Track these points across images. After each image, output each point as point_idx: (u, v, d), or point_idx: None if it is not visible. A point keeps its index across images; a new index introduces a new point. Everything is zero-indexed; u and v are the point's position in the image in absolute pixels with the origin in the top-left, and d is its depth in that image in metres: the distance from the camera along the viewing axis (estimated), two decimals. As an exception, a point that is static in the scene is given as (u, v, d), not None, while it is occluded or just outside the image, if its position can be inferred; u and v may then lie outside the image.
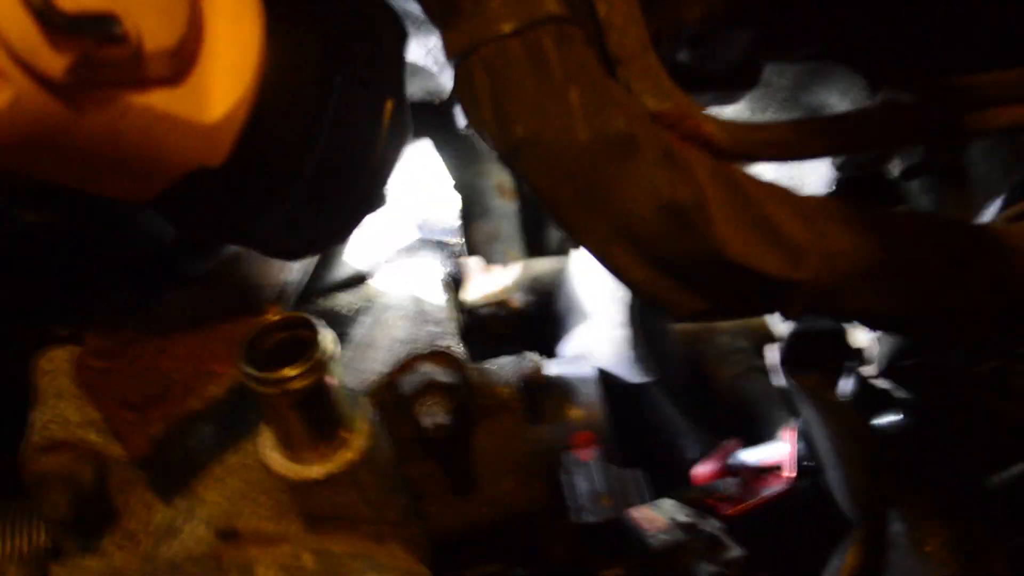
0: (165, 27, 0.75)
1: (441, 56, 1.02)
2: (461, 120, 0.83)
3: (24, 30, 0.68)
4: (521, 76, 0.75)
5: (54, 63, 0.68)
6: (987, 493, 1.16)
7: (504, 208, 1.48)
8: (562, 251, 1.42)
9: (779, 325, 1.35)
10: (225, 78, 0.80)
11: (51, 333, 1.01)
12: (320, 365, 0.80)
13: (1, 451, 0.99)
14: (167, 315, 0.99)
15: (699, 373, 1.32)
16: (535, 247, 1.48)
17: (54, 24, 0.67)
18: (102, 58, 0.70)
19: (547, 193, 0.77)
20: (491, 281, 1.26)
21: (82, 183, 0.82)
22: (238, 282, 1.02)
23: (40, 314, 1.05)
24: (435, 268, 1.06)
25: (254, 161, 0.82)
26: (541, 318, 1.31)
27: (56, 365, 0.97)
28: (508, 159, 0.79)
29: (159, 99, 0.75)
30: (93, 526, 0.95)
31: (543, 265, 1.30)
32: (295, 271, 1.06)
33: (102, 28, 0.69)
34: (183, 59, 0.77)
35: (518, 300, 1.26)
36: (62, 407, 0.94)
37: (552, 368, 1.08)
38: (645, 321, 1.24)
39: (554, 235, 1.48)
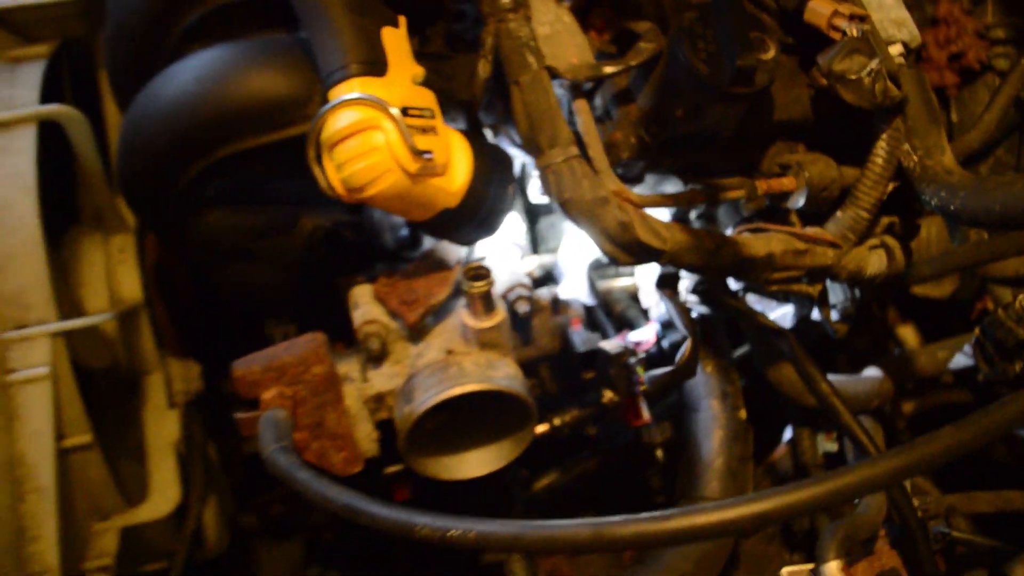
0: (442, 155, 0.99)
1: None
2: (539, 191, 1.06)
3: (404, 155, 0.93)
4: (566, 176, 0.99)
5: (412, 167, 0.94)
6: (728, 350, 1.38)
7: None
8: (548, 253, 1.56)
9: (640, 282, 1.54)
10: (459, 173, 1.04)
11: (356, 280, 1.19)
12: (491, 281, 1.04)
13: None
14: (407, 272, 1.17)
15: (608, 306, 1.53)
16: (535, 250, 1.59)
17: (415, 152, 0.93)
18: (427, 166, 0.96)
19: (578, 220, 1.00)
20: (526, 263, 1.45)
21: (404, 213, 1.05)
22: (438, 257, 1.21)
23: (350, 272, 1.22)
24: (516, 254, 1.32)
25: (466, 206, 1.05)
26: (546, 279, 1.50)
27: (362, 292, 1.17)
28: (561, 207, 1.00)
29: (439, 181, 1.00)
30: (382, 358, 1.14)
31: (547, 258, 1.51)
32: (463, 252, 1.24)
33: (428, 155, 0.95)
34: (446, 166, 1.00)
35: (537, 272, 1.48)
36: (369, 308, 1.14)
37: (561, 295, 1.28)
38: (588, 281, 1.47)
39: (546, 246, 1.57)
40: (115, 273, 1.41)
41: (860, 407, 1.46)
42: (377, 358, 1.16)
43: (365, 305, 1.16)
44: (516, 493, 1.45)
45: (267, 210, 1.20)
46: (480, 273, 1.08)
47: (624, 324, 1.46)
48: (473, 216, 1.09)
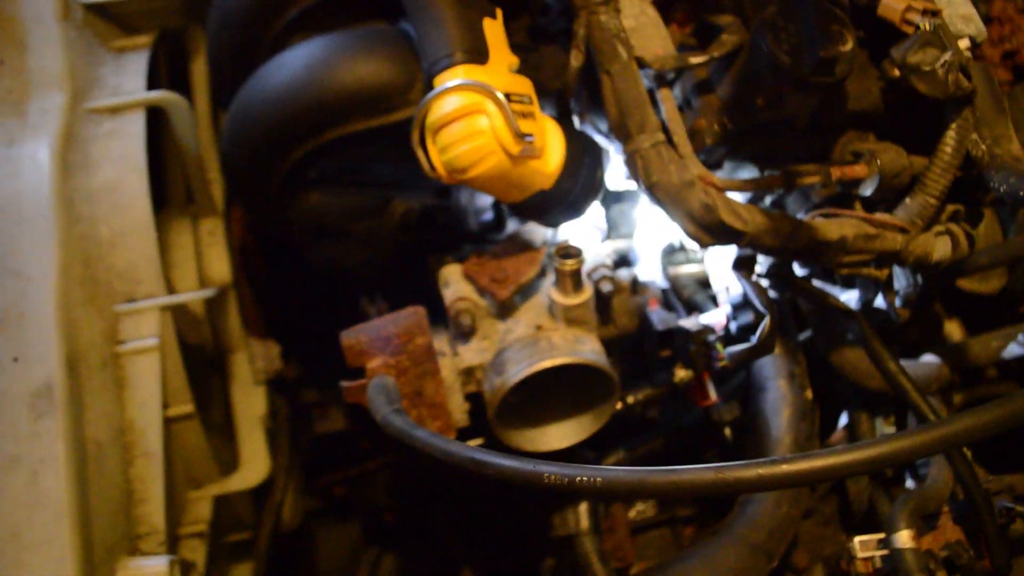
0: (540, 138, 1.03)
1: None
2: (625, 176, 1.07)
3: (507, 138, 0.97)
4: (654, 161, 1.02)
5: (515, 149, 0.98)
6: (795, 334, 1.39)
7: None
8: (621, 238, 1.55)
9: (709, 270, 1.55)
10: (553, 155, 1.07)
11: (445, 260, 1.24)
12: (581, 260, 1.08)
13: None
14: (495, 252, 1.22)
15: (676, 291, 1.54)
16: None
17: (518, 135, 0.97)
18: (528, 149, 1.00)
19: (664, 203, 1.02)
20: (604, 247, 1.43)
21: (502, 194, 1.08)
22: (525, 239, 1.25)
23: (439, 252, 1.26)
24: (597, 236, 1.35)
25: (559, 188, 1.09)
26: (622, 263, 1.51)
27: (453, 271, 1.21)
28: (648, 191, 1.02)
29: (535, 163, 1.04)
30: (470, 335, 1.19)
31: (621, 243, 1.52)
32: (549, 233, 1.27)
33: (529, 138, 0.99)
34: (543, 149, 1.04)
35: (613, 256, 1.38)
36: (460, 287, 1.19)
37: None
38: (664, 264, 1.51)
39: (618, 232, 1.55)
40: (205, 255, 1.46)
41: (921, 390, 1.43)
42: (466, 334, 1.22)
43: (456, 283, 1.22)
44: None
45: (364, 192, 1.28)
46: (571, 252, 1.13)
47: (693, 308, 1.47)
48: (564, 198, 1.13)
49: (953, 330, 2.01)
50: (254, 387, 1.49)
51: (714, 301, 1.48)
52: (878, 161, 1.11)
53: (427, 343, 1.11)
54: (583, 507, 1.39)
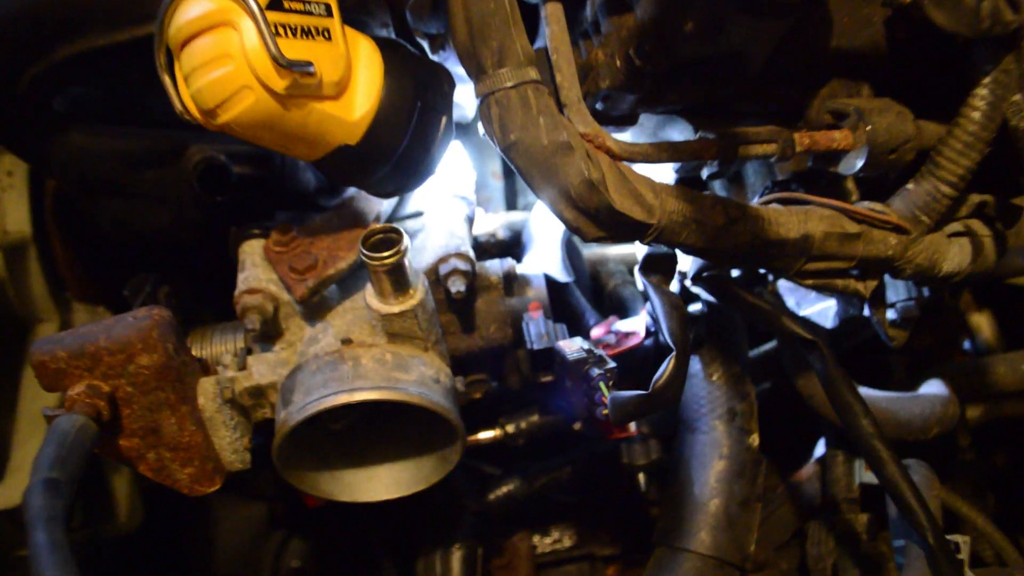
0: (334, 68, 0.76)
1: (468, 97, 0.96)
2: (480, 131, 0.80)
3: (265, 66, 0.70)
4: (515, 109, 0.75)
5: (278, 83, 0.71)
6: (744, 352, 1.12)
7: (495, 184, 1.42)
8: (527, 209, 1.37)
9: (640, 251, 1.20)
10: (362, 97, 0.80)
11: (250, 232, 0.98)
12: (401, 252, 0.80)
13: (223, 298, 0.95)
14: (312, 226, 0.95)
15: (597, 281, 1.30)
16: (512, 206, 1.42)
17: (280, 64, 0.70)
18: (303, 83, 0.72)
19: (525, 171, 0.76)
20: (488, 221, 1.23)
21: (282, 148, 0.82)
22: (353, 210, 0.98)
23: (244, 222, 1.00)
24: (460, 211, 1.02)
25: (373, 143, 0.82)
26: (514, 244, 1.25)
27: (253, 249, 0.95)
28: (505, 152, 0.77)
29: (328, 106, 0.77)
30: (268, 338, 0.93)
31: (516, 216, 1.27)
32: (384, 205, 1.01)
33: (304, 68, 0.71)
34: (342, 86, 0.78)
35: (501, 233, 1.23)
36: (257, 271, 0.92)
37: (519, 268, 1.02)
38: (569, 248, 1.18)
39: (526, 200, 1.39)
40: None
41: (915, 435, 1.14)
42: (267, 337, 0.93)
43: (252, 268, 0.93)
44: (466, 504, 1.21)
45: (146, 134, 0.98)
46: (389, 239, 0.82)
47: (616, 306, 1.22)
48: (386, 157, 0.83)
49: (982, 323, 1.65)
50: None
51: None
52: (868, 126, 0.83)
53: (159, 363, 0.77)
54: (456, 556, 1.14)
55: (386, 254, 0.80)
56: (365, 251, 0.80)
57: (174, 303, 0.99)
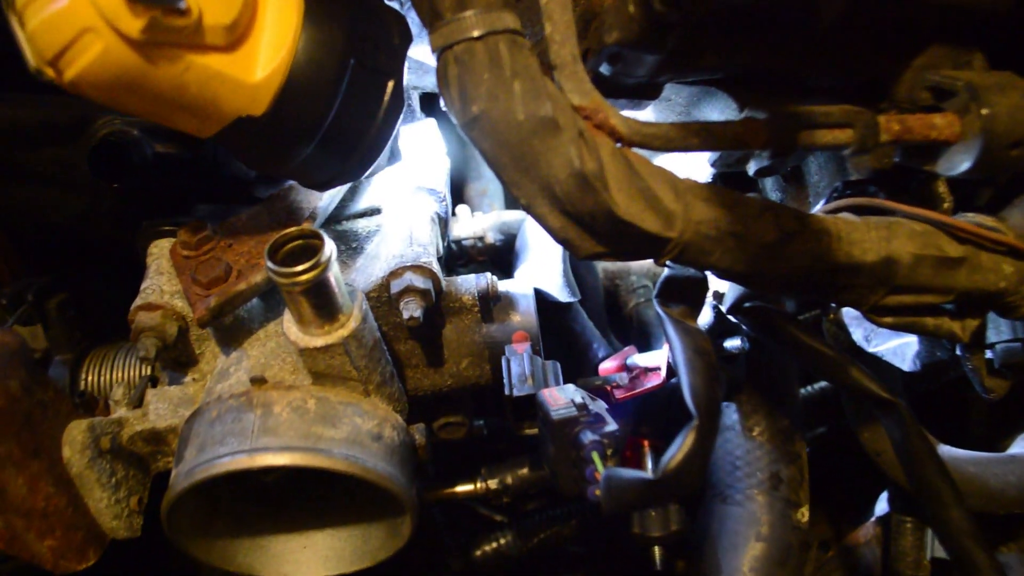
0: (223, 8, 0.59)
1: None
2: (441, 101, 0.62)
3: (118, 3, 0.54)
4: (480, 69, 0.58)
5: (132, 24, 0.55)
6: (795, 399, 0.94)
7: (491, 174, 1.24)
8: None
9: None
10: (268, 52, 0.63)
11: (160, 228, 0.81)
12: (321, 265, 0.62)
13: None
14: (236, 224, 0.78)
15: (615, 300, 1.10)
16: (512, 203, 1.20)
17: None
18: (169, 24, 0.56)
19: (492, 158, 0.60)
20: (475, 222, 1.01)
21: (159, 118, 0.65)
22: (286, 204, 0.79)
23: (155, 216, 0.83)
24: (425, 209, 0.83)
25: (286, 115, 0.65)
26: (506, 250, 1.03)
27: (161, 251, 0.78)
28: (466, 130, 0.61)
29: (215, 61, 0.61)
30: (179, 365, 0.76)
31: (512, 215, 1.05)
32: (324, 199, 0.82)
33: (170, 2, 0.54)
34: (236, 33, 0.61)
35: (491, 237, 1.02)
36: (160, 280, 0.75)
37: (503, 285, 0.83)
38: (574, 258, 0.95)
39: None
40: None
41: (1008, 508, 0.94)
42: (179, 364, 0.75)
43: (156, 276, 0.75)
44: (448, 562, 1.02)
45: (40, 103, 0.82)
46: (308, 246, 0.62)
47: (638, 331, 1.02)
48: (306, 134, 0.65)
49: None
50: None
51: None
52: (984, 110, 0.67)
53: (-10, 408, 0.56)
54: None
55: (300, 268, 0.60)
56: (273, 265, 0.60)
57: (70, 315, 0.82)
